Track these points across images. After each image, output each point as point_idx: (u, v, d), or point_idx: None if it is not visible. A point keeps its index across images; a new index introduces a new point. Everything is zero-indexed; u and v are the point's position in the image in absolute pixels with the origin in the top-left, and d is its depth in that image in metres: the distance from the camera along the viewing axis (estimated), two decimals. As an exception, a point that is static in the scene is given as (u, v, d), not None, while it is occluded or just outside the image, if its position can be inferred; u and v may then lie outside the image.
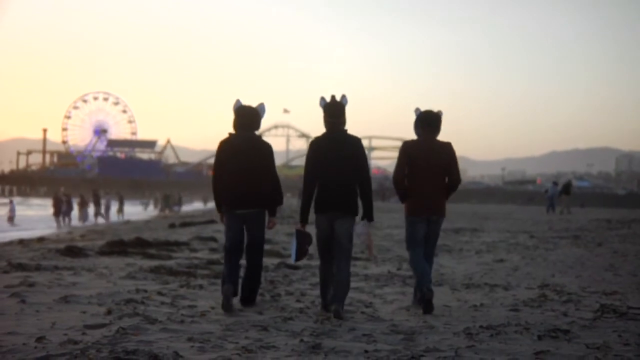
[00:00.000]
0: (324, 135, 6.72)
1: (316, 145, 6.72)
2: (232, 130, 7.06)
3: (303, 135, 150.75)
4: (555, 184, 40.65)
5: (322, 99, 6.74)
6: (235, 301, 6.79)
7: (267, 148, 7.06)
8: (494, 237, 17.28)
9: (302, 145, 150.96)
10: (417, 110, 7.18)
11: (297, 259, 6.91)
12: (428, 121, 7.03)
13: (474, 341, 5.23)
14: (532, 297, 7.48)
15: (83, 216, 34.07)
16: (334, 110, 6.68)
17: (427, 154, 6.95)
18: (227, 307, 6.49)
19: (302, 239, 6.81)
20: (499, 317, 6.31)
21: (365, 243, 6.91)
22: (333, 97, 6.73)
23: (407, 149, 7.01)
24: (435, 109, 7.16)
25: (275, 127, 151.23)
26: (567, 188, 36.38)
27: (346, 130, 6.75)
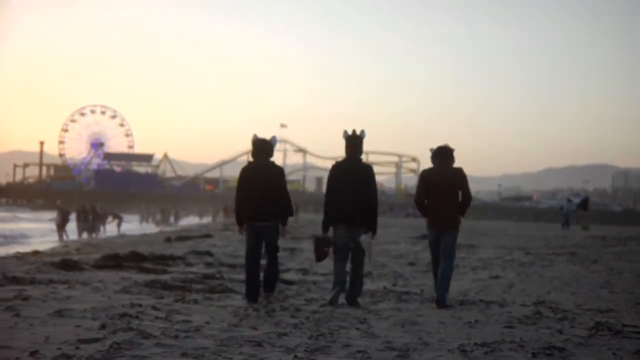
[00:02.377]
0: (344, 160, 8.45)
1: (337, 169, 8.42)
2: (251, 158, 8.73)
3: (300, 150, 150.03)
4: (569, 200, 40.66)
5: (345, 132, 8.44)
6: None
7: (280, 171, 8.61)
8: (489, 254, 17.28)
9: (298, 160, 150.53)
10: (431, 149, 8.68)
11: (319, 260, 8.63)
12: (442, 153, 8.57)
13: (468, 358, 5.23)
14: (527, 314, 7.48)
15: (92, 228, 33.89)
16: (354, 142, 8.39)
17: (440, 178, 8.46)
18: (251, 299, 8.27)
19: (322, 244, 8.49)
20: (493, 334, 6.30)
21: (368, 249, 8.31)
22: (354, 131, 8.42)
23: (424, 176, 8.63)
24: (445, 142, 8.76)
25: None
26: (584, 204, 36.37)
27: (361, 159, 8.51)
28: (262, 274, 8.61)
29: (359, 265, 8.35)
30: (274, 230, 8.52)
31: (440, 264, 8.51)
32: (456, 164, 8.69)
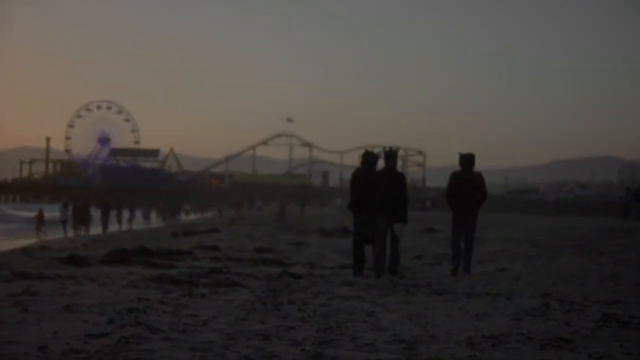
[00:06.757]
0: (384, 170, 11.13)
1: (379, 176, 11.02)
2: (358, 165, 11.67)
3: (306, 145, 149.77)
4: (629, 190, 39.48)
5: (384, 148, 11.21)
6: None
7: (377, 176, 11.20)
8: (496, 247, 17.24)
9: (305, 154, 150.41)
10: (460, 154, 11.56)
11: (370, 244, 11.06)
12: (466, 160, 11.50)
13: (476, 351, 5.22)
14: (535, 307, 7.46)
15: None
16: (391, 157, 11.16)
17: (466, 179, 11.46)
18: (358, 273, 10.96)
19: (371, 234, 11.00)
20: (501, 326, 6.29)
21: (400, 234, 11.03)
22: (391, 148, 11.24)
23: (454, 177, 11.61)
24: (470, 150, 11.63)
25: (279, 136, 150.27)
26: (638, 195, 35.19)
27: (396, 168, 11.22)
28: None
29: (396, 245, 10.92)
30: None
31: (466, 243, 11.34)
32: None
